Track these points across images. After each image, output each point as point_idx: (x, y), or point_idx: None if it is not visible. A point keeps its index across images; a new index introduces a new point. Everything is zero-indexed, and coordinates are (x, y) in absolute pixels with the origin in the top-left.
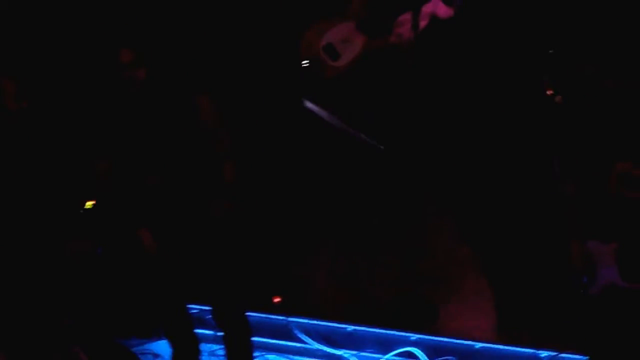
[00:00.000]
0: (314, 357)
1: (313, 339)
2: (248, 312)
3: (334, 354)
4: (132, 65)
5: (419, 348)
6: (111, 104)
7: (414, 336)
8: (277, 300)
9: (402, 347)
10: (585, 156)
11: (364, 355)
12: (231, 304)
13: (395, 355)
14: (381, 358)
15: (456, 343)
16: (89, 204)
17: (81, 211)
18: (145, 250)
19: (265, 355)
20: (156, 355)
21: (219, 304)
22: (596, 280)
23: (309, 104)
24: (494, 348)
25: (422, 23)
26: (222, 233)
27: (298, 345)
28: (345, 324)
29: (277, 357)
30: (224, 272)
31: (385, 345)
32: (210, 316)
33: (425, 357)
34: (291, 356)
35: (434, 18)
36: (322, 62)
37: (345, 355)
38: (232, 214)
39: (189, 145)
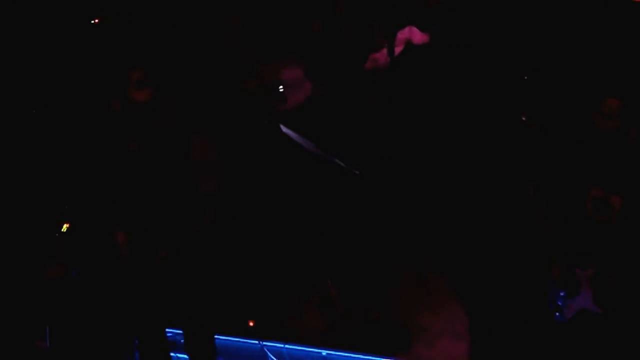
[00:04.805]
0: None
1: None
2: (222, 336)
3: None
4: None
5: None
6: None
7: None
8: (251, 324)
9: None
10: (560, 182)
11: None
12: (202, 327)
13: None
14: None
15: None
16: (65, 227)
17: (57, 234)
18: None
19: None
20: None
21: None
22: (571, 304)
23: (286, 129)
24: None
25: (398, 49)
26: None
27: None
28: (320, 348)
29: None
30: (195, 295)
31: None
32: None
33: None
34: None
35: (409, 44)
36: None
37: None
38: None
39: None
